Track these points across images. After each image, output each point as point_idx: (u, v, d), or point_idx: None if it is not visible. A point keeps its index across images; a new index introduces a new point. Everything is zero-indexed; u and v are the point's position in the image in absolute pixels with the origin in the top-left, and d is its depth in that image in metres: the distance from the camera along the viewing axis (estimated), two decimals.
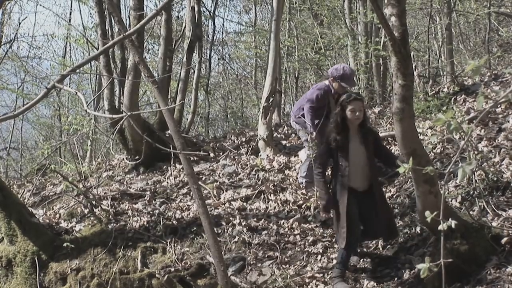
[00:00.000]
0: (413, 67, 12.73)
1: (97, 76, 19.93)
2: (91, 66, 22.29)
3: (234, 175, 12.50)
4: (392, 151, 11.22)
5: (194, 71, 17.42)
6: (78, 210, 11.57)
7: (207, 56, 22.94)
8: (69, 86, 20.32)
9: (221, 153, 13.96)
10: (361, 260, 9.28)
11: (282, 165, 12.64)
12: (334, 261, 9.07)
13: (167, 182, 12.43)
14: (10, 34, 24.82)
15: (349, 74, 10.66)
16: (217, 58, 27.23)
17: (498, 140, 10.53)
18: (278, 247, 9.93)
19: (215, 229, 9.10)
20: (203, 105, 23.98)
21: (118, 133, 13.41)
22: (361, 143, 8.55)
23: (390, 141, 12.21)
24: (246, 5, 28.49)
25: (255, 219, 10.68)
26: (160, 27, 15.51)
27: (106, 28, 14.32)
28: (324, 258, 9.59)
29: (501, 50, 18.04)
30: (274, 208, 11.02)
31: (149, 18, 7.00)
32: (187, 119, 17.28)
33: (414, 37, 19.57)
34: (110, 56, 13.89)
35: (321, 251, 9.77)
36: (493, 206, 8.69)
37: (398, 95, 7.17)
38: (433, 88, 15.05)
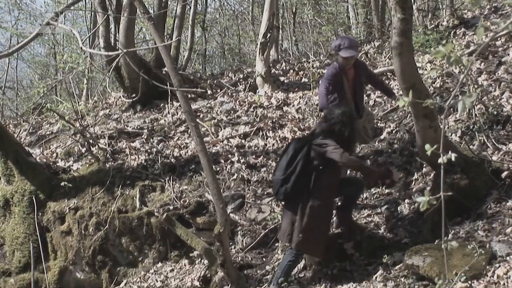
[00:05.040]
0: (412, 0, 12.54)
1: (92, 13, 19.70)
2: (86, 3, 22.00)
3: (232, 112, 12.41)
4: (391, 86, 11.12)
5: (190, 7, 17.18)
6: (75, 149, 11.55)
7: None
8: (64, 24, 20.09)
9: (218, 90, 13.86)
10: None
11: (281, 101, 12.53)
12: None
13: (165, 120, 12.37)
14: None
15: (347, 43, 8.99)
16: None
17: (498, 73, 10.41)
18: None
19: (213, 166, 9.06)
20: (199, 42, 23.77)
21: (114, 70, 13.30)
22: None
23: (389, 76, 12.08)
24: None
25: (254, 156, 10.64)
26: None
27: None
28: None
29: None
30: (273, 145, 10.96)
31: None
32: (184, 56, 17.11)
33: None
34: None
35: None
36: (493, 140, 8.62)
37: (397, 29, 7.07)
38: (432, 22, 14.85)
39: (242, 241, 9.26)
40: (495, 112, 9.06)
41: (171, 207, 9.85)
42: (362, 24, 19.57)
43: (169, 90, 11.66)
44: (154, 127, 12.03)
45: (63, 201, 10.63)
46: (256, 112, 12.21)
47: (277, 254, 8.87)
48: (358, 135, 8.84)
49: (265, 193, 9.83)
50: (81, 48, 7.98)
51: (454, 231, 7.46)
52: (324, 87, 9.15)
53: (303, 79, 13.96)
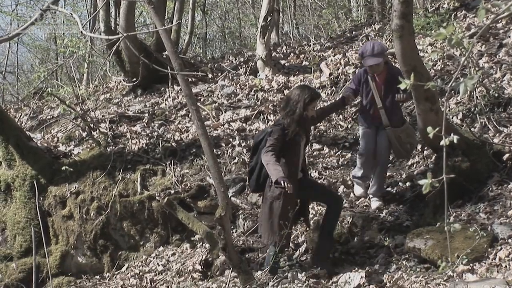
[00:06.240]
0: None
1: None
2: None
3: (232, 95, 12.39)
4: None
5: None
6: (76, 133, 11.54)
7: None
8: (64, 8, 20.04)
9: (219, 74, 13.83)
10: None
11: (281, 85, 12.50)
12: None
13: (165, 104, 12.35)
14: None
15: (369, 50, 8.53)
16: None
17: (499, 56, 10.40)
18: None
19: (214, 150, 9.04)
20: (200, 26, 23.71)
21: (115, 55, 13.28)
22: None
23: (390, 59, 12.03)
24: None
25: None
26: None
27: None
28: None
29: None
30: None
31: None
32: (184, 40, 17.06)
33: None
34: None
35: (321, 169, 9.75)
36: (494, 123, 8.62)
37: (397, 12, 7.05)
38: (433, 4, 14.82)
39: (244, 224, 9.26)
40: (496, 95, 9.05)
41: (172, 191, 9.83)
42: (363, 7, 19.54)
43: (169, 74, 11.66)
44: (155, 111, 12.01)
45: (64, 186, 10.62)
46: (257, 95, 12.19)
47: None
48: (392, 145, 8.54)
49: None
50: (82, 32, 7.94)
51: (455, 213, 7.46)
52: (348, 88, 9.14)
53: (304, 63, 13.93)
